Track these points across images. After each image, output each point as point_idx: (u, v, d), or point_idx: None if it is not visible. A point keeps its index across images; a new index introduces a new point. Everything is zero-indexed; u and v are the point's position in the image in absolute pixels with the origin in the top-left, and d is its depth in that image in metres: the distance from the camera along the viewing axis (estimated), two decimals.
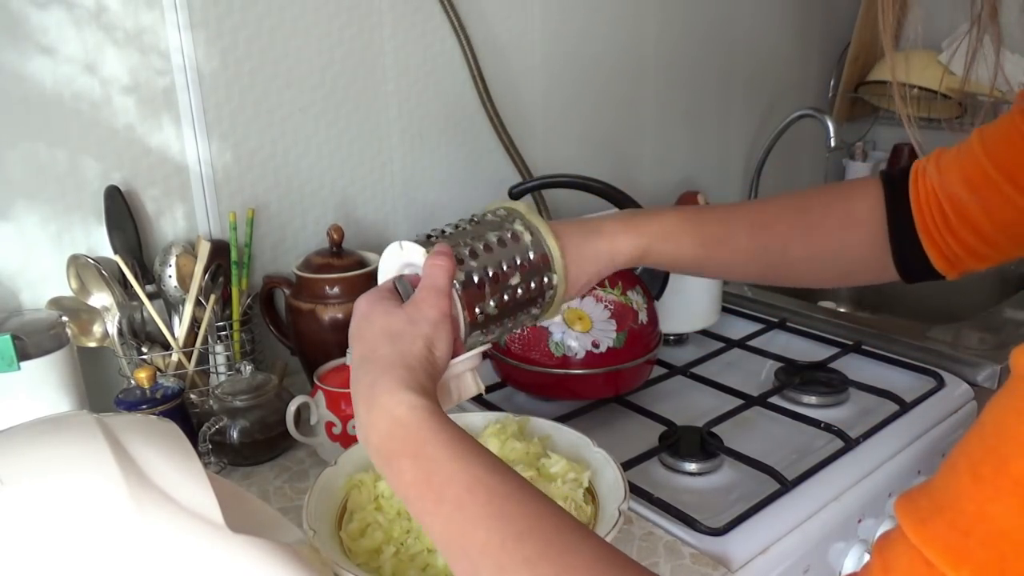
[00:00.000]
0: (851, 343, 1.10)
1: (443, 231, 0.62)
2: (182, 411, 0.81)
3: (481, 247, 0.60)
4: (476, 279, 0.58)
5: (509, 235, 0.61)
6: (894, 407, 0.91)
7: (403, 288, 0.58)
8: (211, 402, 0.83)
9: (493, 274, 0.59)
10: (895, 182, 0.66)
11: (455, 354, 0.57)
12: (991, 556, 0.29)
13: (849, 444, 0.83)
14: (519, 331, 0.63)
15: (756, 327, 1.17)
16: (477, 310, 0.58)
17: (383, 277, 0.62)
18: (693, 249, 0.69)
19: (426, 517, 0.47)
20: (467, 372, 0.59)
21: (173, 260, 0.89)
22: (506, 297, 0.60)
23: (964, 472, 0.31)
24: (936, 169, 0.63)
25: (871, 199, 0.67)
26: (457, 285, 0.57)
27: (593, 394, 0.92)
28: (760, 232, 0.70)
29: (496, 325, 0.61)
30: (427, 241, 0.60)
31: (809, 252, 0.69)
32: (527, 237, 0.62)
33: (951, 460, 0.33)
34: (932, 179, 0.63)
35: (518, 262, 0.61)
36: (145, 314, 0.89)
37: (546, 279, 0.62)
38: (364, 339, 0.54)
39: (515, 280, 0.60)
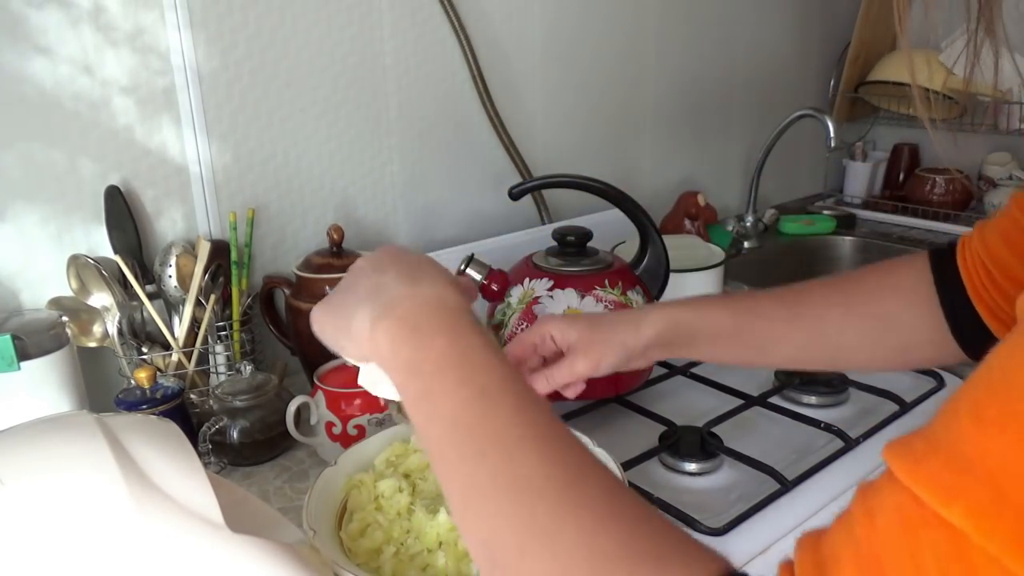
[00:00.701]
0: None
1: None
2: (182, 411, 0.81)
3: None
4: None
5: None
6: (894, 407, 0.91)
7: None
8: (211, 402, 0.83)
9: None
10: (941, 254, 0.64)
11: None
12: (987, 493, 0.27)
13: (849, 444, 0.83)
14: None
15: None
16: None
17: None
18: (725, 318, 0.67)
19: (439, 393, 0.43)
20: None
21: (173, 260, 0.89)
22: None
23: (965, 415, 0.30)
24: (980, 236, 0.62)
25: (917, 270, 0.64)
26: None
27: (593, 394, 0.92)
28: (795, 301, 0.67)
29: None
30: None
31: (852, 322, 0.65)
32: None
33: (951, 405, 0.31)
34: (976, 245, 0.61)
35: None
36: (145, 314, 0.89)
37: None
38: (393, 259, 0.50)
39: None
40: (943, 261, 0.63)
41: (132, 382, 0.82)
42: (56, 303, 0.87)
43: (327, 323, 0.51)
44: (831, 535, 0.32)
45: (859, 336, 0.65)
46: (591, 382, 0.89)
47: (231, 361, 0.92)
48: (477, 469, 0.40)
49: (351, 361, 0.54)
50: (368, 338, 0.46)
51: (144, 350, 0.89)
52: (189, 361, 0.90)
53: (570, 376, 0.67)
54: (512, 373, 0.43)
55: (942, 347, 0.62)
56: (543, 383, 0.68)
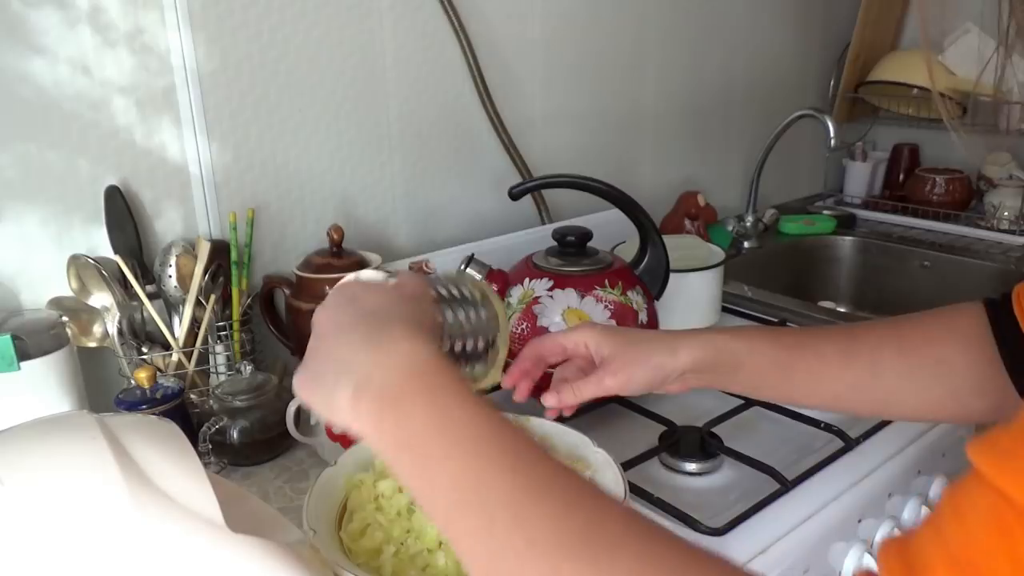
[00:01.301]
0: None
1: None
2: (182, 411, 0.82)
3: (448, 309, 0.58)
4: (450, 320, 0.57)
5: (462, 300, 0.59)
6: None
7: (368, 277, 0.57)
8: (211, 402, 0.83)
9: (455, 319, 0.57)
10: (996, 303, 0.62)
11: None
12: None
13: (849, 444, 0.83)
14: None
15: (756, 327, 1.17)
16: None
17: None
18: (772, 349, 0.64)
19: (434, 463, 0.41)
20: None
21: (173, 260, 0.89)
22: (458, 348, 0.58)
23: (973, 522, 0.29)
24: None
25: (973, 316, 0.62)
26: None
27: None
28: (848, 338, 0.65)
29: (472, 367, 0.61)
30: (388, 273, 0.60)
31: (907, 364, 0.62)
32: (476, 303, 0.60)
33: (949, 504, 0.31)
34: None
35: (472, 323, 0.59)
36: (145, 314, 0.89)
37: (488, 340, 0.60)
38: (355, 310, 0.49)
39: (464, 336, 0.58)
40: (998, 309, 0.61)
41: (132, 382, 0.82)
42: (56, 303, 0.87)
43: (313, 398, 0.48)
44: (919, 537, 0.31)
45: (913, 379, 0.62)
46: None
47: (231, 361, 0.92)
48: (489, 538, 0.38)
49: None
50: (353, 418, 0.44)
51: (144, 350, 0.89)
52: (189, 361, 0.90)
53: (597, 391, 0.66)
54: (498, 424, 0.42)
55: (997, 395, 0.59)
56: (570, 395, 0.67)
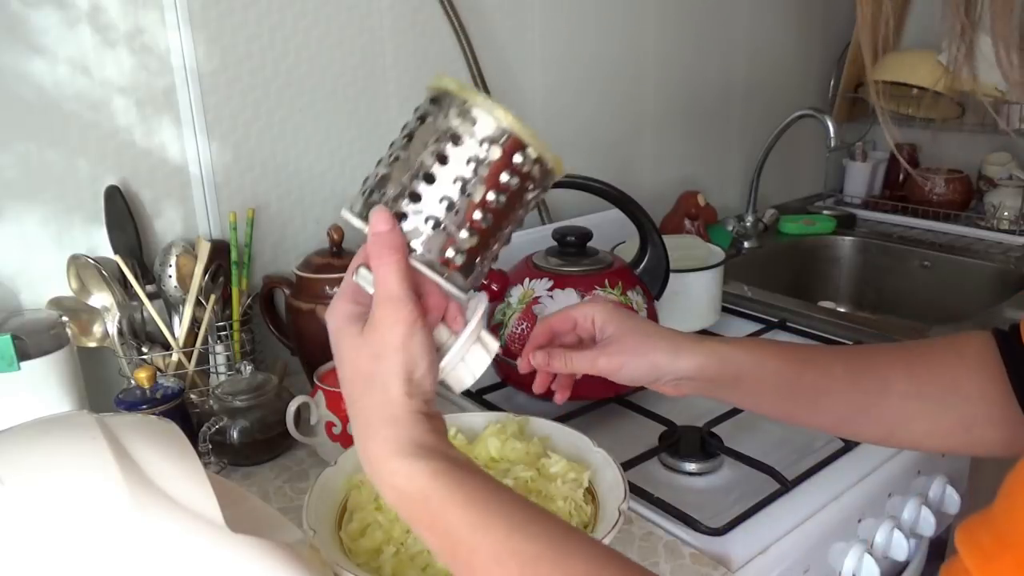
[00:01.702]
0: (851, 343, 1.10)
1: (378, 177, 0.50)
2: (182, 411, 0.81)
3: (422, 183, 0.47)
4: (431, 228, 0.48)
5: (448, 142, 0.48)
6: None
7: (365, 280, 0.49)
8: (211, 402, 0.83)
9: (452, 206, 0.47)
10: (1005, 333, 0.60)
11: (458, 327, 0.51)
12: None
13: (849, 444, 0.83)
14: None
15: (756, 327, 1.17)
16: (451, 253, 0.48)
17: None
18: (778, 363, 0.62)
19: (461, 549, 0.44)
20: (474, 345, 0.51)
21: (173, 260, 0.89)
22: (478, 216, 0.48)
23: (1022, 505, 0.31)
24: None
25: (982, 343, 0.60)
26: (417, 253, 0.48)
27: (593, 394, 0.92)
28: (856, 359, 0.63)
29: (485, 245, 0.50)
30: (367, 198, 0.49)
31: (917, 389, 0.60)
32: (470, 126, 0.48)
33: (1008, 489, 0.32)
34: None
35: (475, 170, 0.48)
36: (145, 314, 0.89)
37: (518, 159, 0.48)
38: (342, 375, 0.49)
39: (480, 192, 0.48)
40: (1007, 339, 0.59)
41: (132, 382, 0.82)
42: (56, 303, 0.87)
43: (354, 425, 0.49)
44: None
45: (922, 404, 0.60)
46: (592, 382, 0.90)
47: (231, 361, 0.92)
48: None
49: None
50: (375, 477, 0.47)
51: (144, 350, 0.89)
52: (189, 361, 0.90)
53: (589, 368, 0.64)
54: (504, 535, 0.43)
55: (1008, 427, 0.57)
56: (560, 362, 0.65)
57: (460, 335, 0.50)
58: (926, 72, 1.64)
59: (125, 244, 0.90)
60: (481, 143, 0.47)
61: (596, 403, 0.93)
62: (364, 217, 0.48)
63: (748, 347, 0.64)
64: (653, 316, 0.93)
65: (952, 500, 0.89)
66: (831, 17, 1.79)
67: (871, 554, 0.76)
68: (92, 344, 0.88)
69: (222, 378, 0.90)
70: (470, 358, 0.51)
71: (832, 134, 1.33)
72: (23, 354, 0.75)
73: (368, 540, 0.64)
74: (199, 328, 0.90)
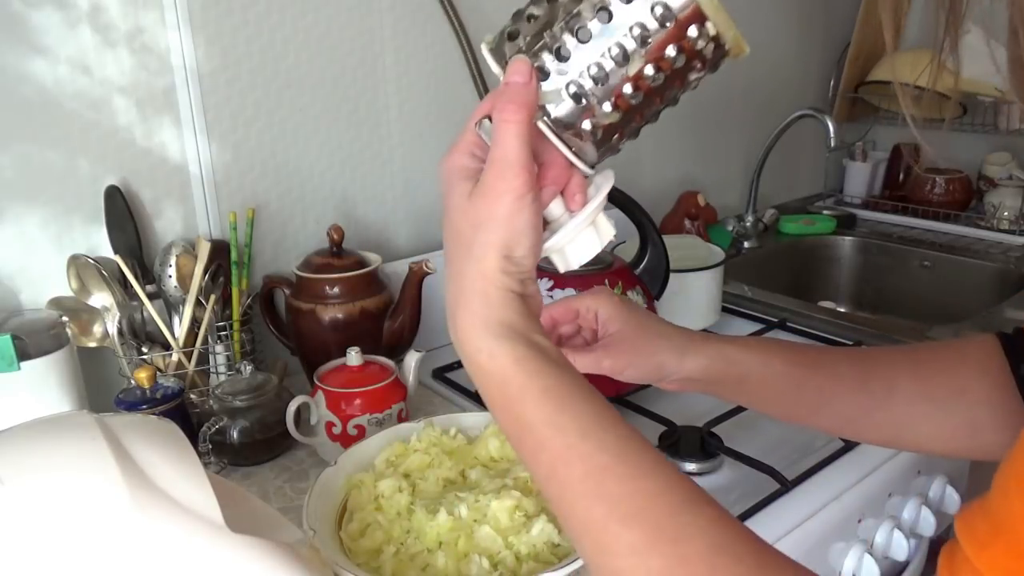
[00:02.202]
0: (851, 343, 1.10)
1: (527, 16, 0.43)
2: (182, 411, 0.81)
3: (573, 39, 0.41)
4: (571, 94, 0.42)
5: None
6: None
7: (487, 133, 0.45)
8: (211, 402, 0.83)
9: (601, 75, 0.41)
10: (1009, 336, 0.60)
11: (575, 205, 0.46)
12: None
13: (849, 444, 0.83)
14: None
15: (756, 327, 1.17)
16: (587, 126, 0.43)
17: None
18: (784, 364, 0.61)
19: (529, 468, 0.43)
20: (587, 228, 0.47)
21: (173, 260, 0.89)
22: (628, 91, 0.42)
23: (1016, 496, 0.32)
24: None
25: (988, 347, 0.60)
26: (548, 117, 0.42)
27: None
28: (862, 360, 0.63)
29: (628, 122, 0.45)
30: (502, 49, 0.43)
31: (923, 391, 0.60)
32: None
33: (1002, 481, 0.33)
34: None
35: (638, 37, 0.40)
36: (145, 314, 0.89)
37: (692, 33, 0.41)
38: (445, 230, 0.45)
39: (637, 65, 0.41)
40: (1012, 342, 0.59)
41: (132, 382, 0.82)
42: (56, 303, 0.87)
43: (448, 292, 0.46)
44: None
45: (929, 406, 0.59)
46: (591, 382, 0.89)
47: (231, 361, 0.92)
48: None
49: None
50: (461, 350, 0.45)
51: (144, 350, 0.88)
52: (189, 361, 0.90)
53: (593, 369, 0.62)
54: (575, 438, 0.41)
55: (1013, 430, 0.56)
56: None
57: (576, 215, 0.46)
58: (926, 72, 1.64)
59: (125, 244, 0.90)
60: (654, 6, 0.40)
61: None
62: (500, 58, 0.43)
63: (754, 348, 0.64)
64: None
65: (952, 500, 0.89)
66: (831, 17, 1.79)
67: (871, 554, 0.76)
68: (92, 344, 0.88)
69: (222, 378, 0.90)
70: (580, 241, 0.47)
71: (832, 134, 1.33)
72: (23, 354, 0.75)
73: (368, 540, 0.64)
74: (199, 328, 0.90)
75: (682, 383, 0.64)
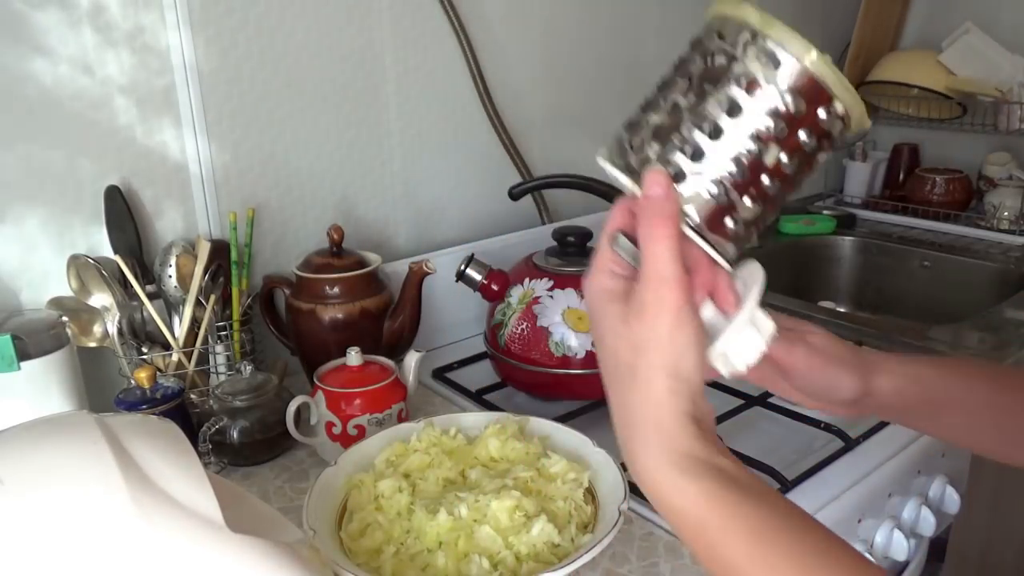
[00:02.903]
0: (851, 343, 1.10)
1: (648, 124, 0.42)
2: (182, 411, 0.81)
3: (705, 137, 0.40)
4: (711, 192, 0.40)
5: (742, 88, 0.40)
6: None
7: (625, 251, 0.43)
8: (211, 402, 0.83)
9: (739, 168, 0.40)
10: None
11: (728, 307, 0.45)
12: None
13: (849, 444, 0.83)
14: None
15: None
16: (730, 223, 0.41)
17: (611, 178, 0.44)
18: (987, 390, 0.54)
19: (716, 549, 0.40)
20: (746, 328, 0.45)
21: (173, 260, 0.89)
22: (768, 182, 0.41)
23: None
24: None
25: None
26: (691, 219, 0.41)
27: (593, 394, 0.92)
28: None
29: (765, 215, 0.43)
30: (633, 152, 0.42)
31: None
32: (772, 70, 0.39)
33: None
34: None
35: (770, 125, 0.40)
36: (145, 314, 0.89)
37: (823, 115, 0.40)
38: (600, 354, 0.44)
39: (773, 153, 0.40)
40: None
41: (132, 382, 0.82)
42: (56, 303, 0.87)
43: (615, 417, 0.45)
44: None
45: None
46: (591, 382, 0.90)
47: (231, 361, 0.92)
48: None
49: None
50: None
51: (144, 350, 0.88)
52: (189, 361, 0.90)
53: (761, 381, 0.57)
54: (786, 566, 0.39)
55: None
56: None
57: (733, 317, 0.44)
58: (926, 72, 1.64)
59: (125, 244, 0.90)
60: (784, 92, 0.39)
61: (596, 403, 0.93)
62: (625, 170, 0.42)
63: (951, 369, 0.56)
64: None
65: (952, 500, 0.89)
66: (831, 17, 1.79)
67: (871, 554, 0.76)
68: (92, 344, 0.88)
69: (222, 378, 0.90)
70: (742, 342, 0.45)
71: None
72: (23, 354, 0.75)
73: (368, 540, 0.64)
74: (199, 328, 0.90)
75: (864, 407, 0.56)
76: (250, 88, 0.97)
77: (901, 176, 1.82)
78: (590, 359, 0.88)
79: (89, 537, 0.44)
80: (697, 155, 0.40)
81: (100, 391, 0.88)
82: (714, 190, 0.40)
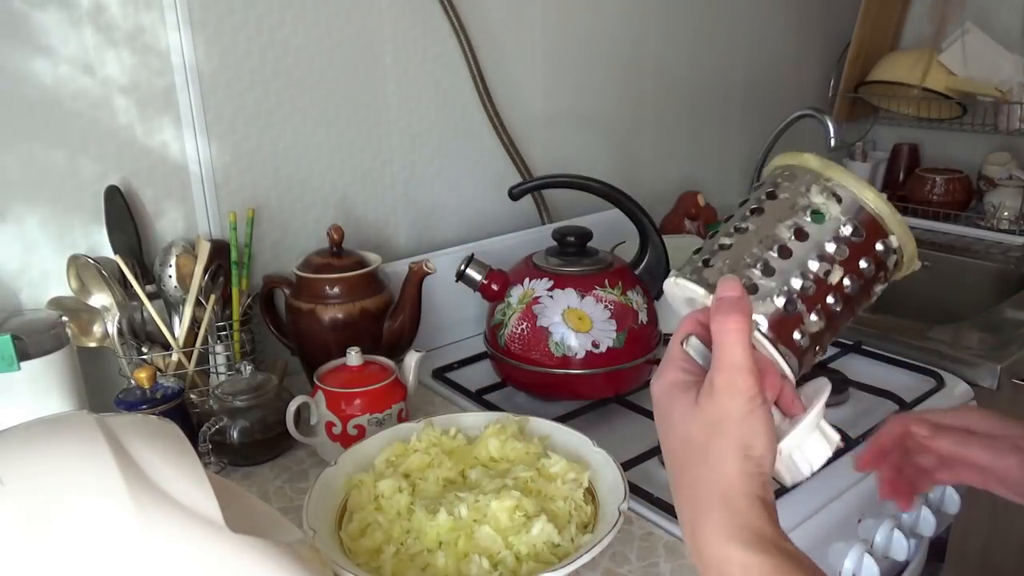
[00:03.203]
0: (851, 343, 1.10)
1: (719, 245, 0.48)
2: (182, 411, 0.81)
3: (775, 255, 0.46)
4: (783, 303, 0.45)
5: (807, 217, 0.46)
6: (894, 407, 0.91)
7: (696, 350, 0.47)
8: (211, 402, 0.83)
9: (804, 286, 0.45)
10: None
11: (792, 412, 0.47)
12: None
13: (849, 444, 0.83)
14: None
15: None
16: (797, 336, 0.46)
17: (676, 306, 0.51)
18: None
19: None
20: (813, 432, 0.47)
21: (173, 260, 0.89)
22: (831, 300, 0.46)
23: None
24: None
25: None
26: (762, 326, 0.45)
27: (593, 394, 0.92)
28: None
29: (828, 333, 0.47)
30: (706, 269, 0.47)
31: None
32: (833, 207, 0.46)
33: None
34: None
35: (833, 250, 0.46)
36: (145, 314, 0.89)
37: (880, 247, 0.47)
38: (668, 443, 0.46)
39: (837, 275, 0.46)
40: None
41: (132, 382, 0.82)
42: (56, 303, 0.87)
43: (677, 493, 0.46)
44: None
45: None
46: (591, 382, 0.90)
47: (231, 361, 0.92)
48: None
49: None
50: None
51: (144, 350, 0.88)
52: (189, 361, 0.90)
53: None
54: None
55: None
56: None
57: (800, 421, 0.46)
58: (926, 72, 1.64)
59: (125, 244, 0.90)
60: (846, 222, 0.46)
61: (596, 403, 0.93)
62: (699, 283, 0.47)
63: None
64: (653, 316, 0.93)
65: (952, 500, 0.89)
66: (831, 17, 1.79)
67: (871, 554, 0.76)
68: (92, 344, 0.88)
69: (222, 378, 0.90)
70: (808, 446, 0.47)
71: (832, 134, 1.33)
72: (23, 354, 0.75)
73: (368, 540, 0.64)
74: (199, 328, 0.90)
75: None
76: (250, 88, 0.97)
77: (901, 176, 1.82)
78: (590, 359, 0.88)
79: (89, 537, 0.44)
80: (768, 271, 0.45)
81: (100, 391, 0.88)
82: (783, 301, 0.45)
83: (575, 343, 0.87)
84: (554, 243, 0.95)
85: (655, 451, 0.83)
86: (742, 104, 1.65)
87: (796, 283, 0.45)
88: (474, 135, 1.20)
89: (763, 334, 0.45)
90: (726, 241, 0.47)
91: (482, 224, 1.25)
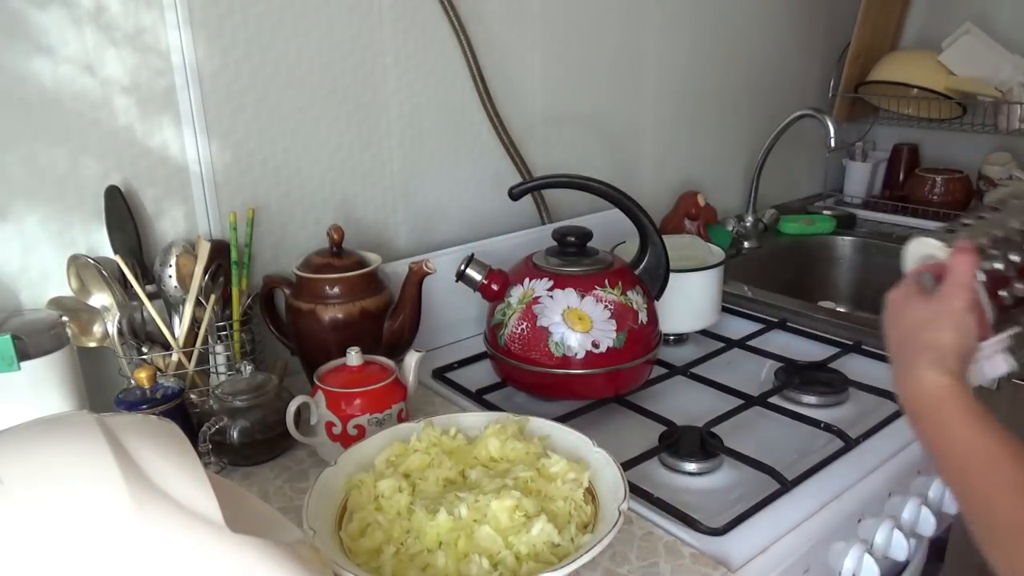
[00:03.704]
0: (851, 343, 1.10)
1: (965, 223, 0.66)
2: (182, 411, 0.81)
3: (1002, 236, 0.64)
4: (1000, 267, 0.62)
5: None
6: (894, 407, 0.91)
7: (927, 282, 0.64)
8: (211, 402, 0.83)
9: (1019, 261, 0.63)
10: None
11: (983, 338, 0.62)
12: None
13: (849, 444, 0.83)
14: None
15: (756, 327, 1.17)
16: (1003, 294, 0.63)
17: (908, 264, 0.69)
18: None
19: (937, 466, 0.57)
20: (997, 353, 0.63)
21: (173, 260, 0.89)
22: None
23: None
24: None
25: None
26: (981, 276, 0.61)
27: (593, 394, 0.92)
28: None
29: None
30: (948, 235, 0.65)
31: None
32: None
33: None
34: None
35: None
36: (145, 314, 0.89)
37: None
38: (898, 328, 0.63)
39: None
40: None
41: (132, 382, 0.82)
42: (56, 303, 0.87)
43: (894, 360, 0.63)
44: None
45: None
46: (591, 382, 0.90)
47: (231, 361, 0.92)
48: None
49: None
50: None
51: (144, 350, 0.89)
52: (189, 361, 0.90)
53: None
54: (984, 441, 0.54)
55: None
56: None
57: (991, 339, 0.63)
58: (926, 72, 1.64)
59: (125, 244, 0.90)
60: None
61: (596, 403, 0.93)
62: (941, 239, 0.64)
63: None
64: (653, 316, 0.93)
65: (952, 500, 0.89)
66: (831, 17, 1.79)
67: (871, 554, 0.76)
68: (92, 344, 0.88)
69: (222, 378, 0.90)
70: (996, 360, 0.63)
71: (832, 134, 1.33)
72: (23, 354, 0.75)
73: (368, 540, 0.64)
74: (199, 328, 0.90)
75: None
76: (250, 88, 0.97)
77: (901, 176, 1.82)
78: (590, 359, 0.88)
79: (89, 537, 0.44)
80: (996, 245, 0.63)
81: (100, 391, 0.89)
82: (999, 266, 0.63)
83: (575, 343, 0.87)
84: (554, 243, 0.95)
85: (655, 451, 0.83)
86: (742, 104, 1.65)
87: (1012, 258, 0.63)
88: (474, 135, 1.20)
89: (980, 282, 0.61)
90: (969, 221, 0.66)
91: (482, 224, 1.25)
